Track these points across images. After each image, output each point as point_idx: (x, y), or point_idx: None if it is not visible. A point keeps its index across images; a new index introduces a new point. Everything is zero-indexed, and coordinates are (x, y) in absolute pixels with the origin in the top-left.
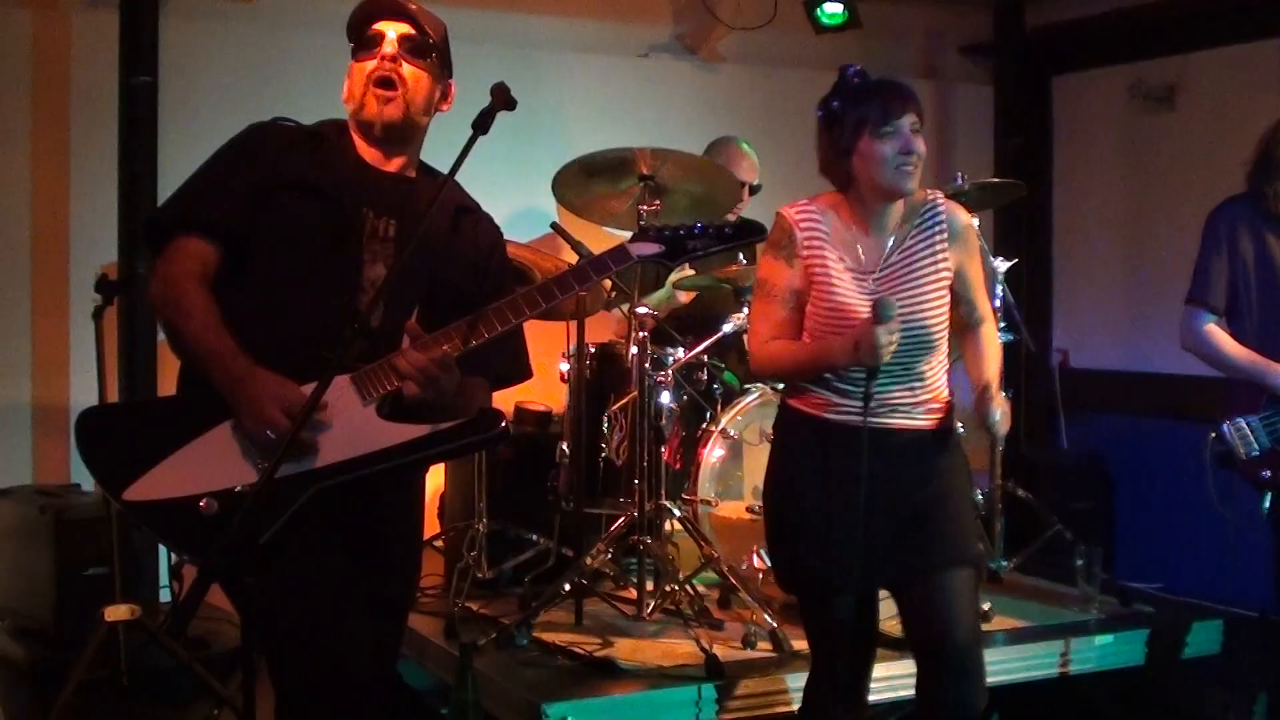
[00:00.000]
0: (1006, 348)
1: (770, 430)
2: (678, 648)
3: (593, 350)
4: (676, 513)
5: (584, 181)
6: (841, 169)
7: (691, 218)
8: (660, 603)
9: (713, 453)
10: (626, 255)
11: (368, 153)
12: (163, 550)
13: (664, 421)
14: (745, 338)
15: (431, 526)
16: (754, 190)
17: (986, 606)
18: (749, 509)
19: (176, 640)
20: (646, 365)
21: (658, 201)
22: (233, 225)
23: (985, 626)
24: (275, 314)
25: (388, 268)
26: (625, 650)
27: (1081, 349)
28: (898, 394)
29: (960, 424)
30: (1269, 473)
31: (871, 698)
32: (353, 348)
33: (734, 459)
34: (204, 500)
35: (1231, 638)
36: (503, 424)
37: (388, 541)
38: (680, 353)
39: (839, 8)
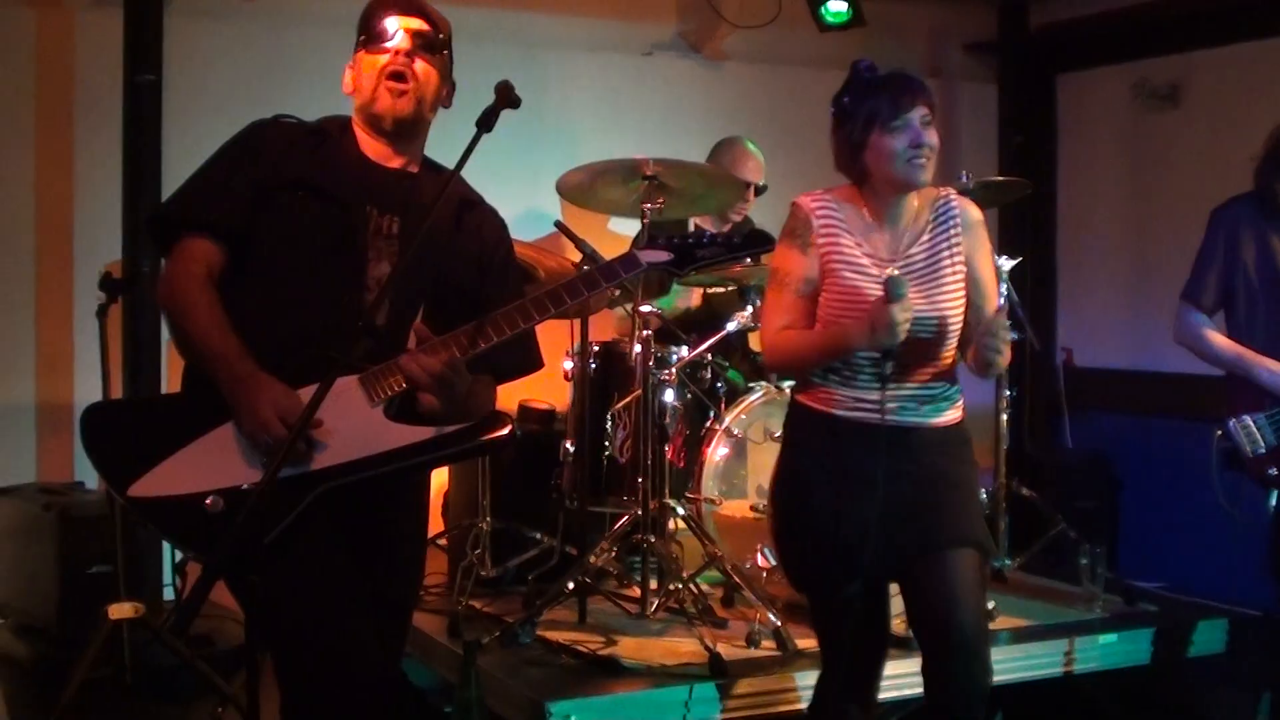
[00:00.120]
0: (1011, 346)
1: (774, 429)
2: (681, 646)
3: (597, 348)
4: (680, 511)
5: (589, 181)
6: (855, 164)
7: (694, 213)
8: (664, 601)
9: (716, 451)
10: (636, 263)
11: (371, 149)
12: (166, 548)
13: (668, 420)
14: (750, 336)
15: (435, 524)
16: (759, 190)
17: (991, 605)
18: (753, 508)
19: (180, 637)
20: (650, 363)
21: (661, 200)
22: (236, 225)
23: (990, 625)
24: (280, 313)
25: (392, 265)
26: (629, 649)
27: (1086, 347)
28: (911, 388)
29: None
30: (1275, 470)
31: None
32: (358, 346)
33: (738, 458)
34: (210, 498)
35: (1236, 637)
36: (509, 429)
37: (393, 541)
38: (684, 351)
39: (843, 6)
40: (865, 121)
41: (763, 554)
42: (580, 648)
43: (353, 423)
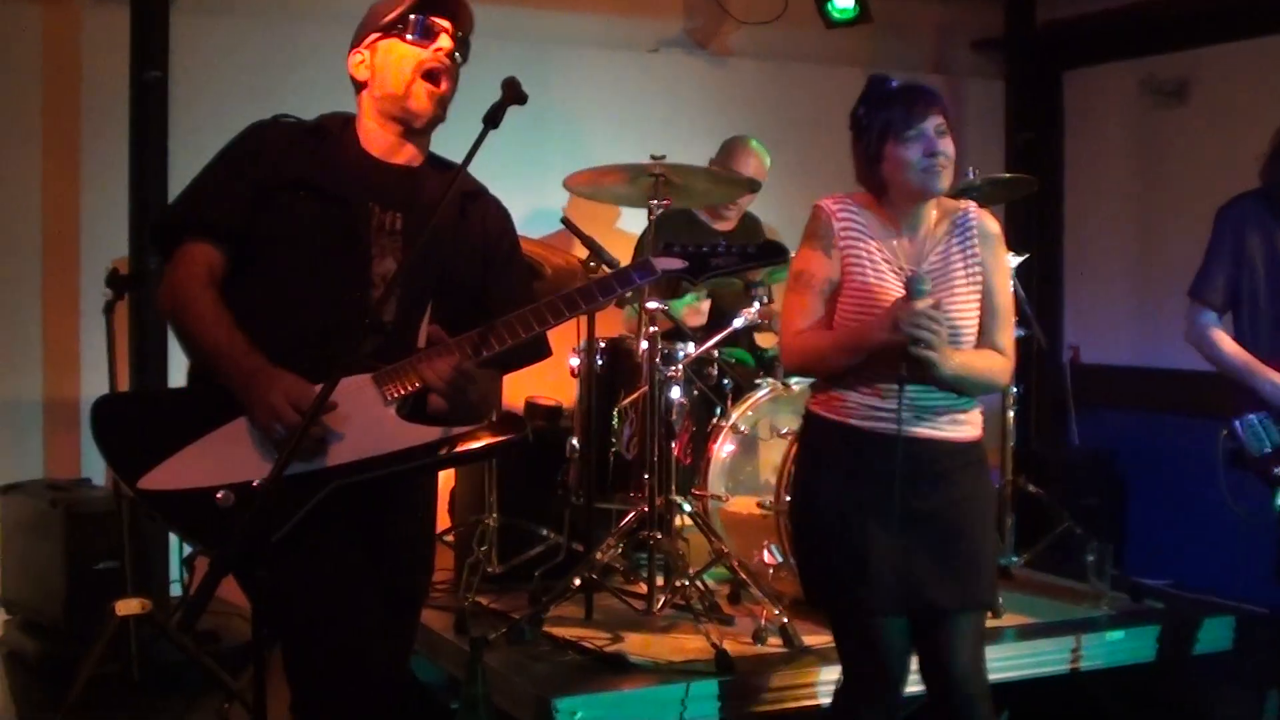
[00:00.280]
0: (1018, 343)
1: (781, 425)
2: (688, 643)
3: (603, 345)
4: (687, 508)
5: (595, 179)
6: (873, 176)
7: (699, 205)
8: (670, 598)
9: (723, 448)
10: (652, 270)
11: (376, 144)
12: (173, 544)
13: (674, 416)
14: (755, 333)
15: (442, 521)
16: (754, 187)
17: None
18: (759, 504)
19: (188, 631)
20: (657, 360)
21: (669, 199)
22: (238, 227)
23: (996, 622)
24: (286, 313)
25: (397, 262)
26: (635, 645)
27: (1092, 344)
28: (925, 398)
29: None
30: None
31: None
32: (365, 343)
33: (744, 454)
34: (220, 492)
35: (1243, 634)
36: (522, 433)
37: (403, 539)
38: (691, 348)
39: (849, 2)
40: (880, 133)
41: (769, 550)
42: (587, 644)
43: (365, 421)
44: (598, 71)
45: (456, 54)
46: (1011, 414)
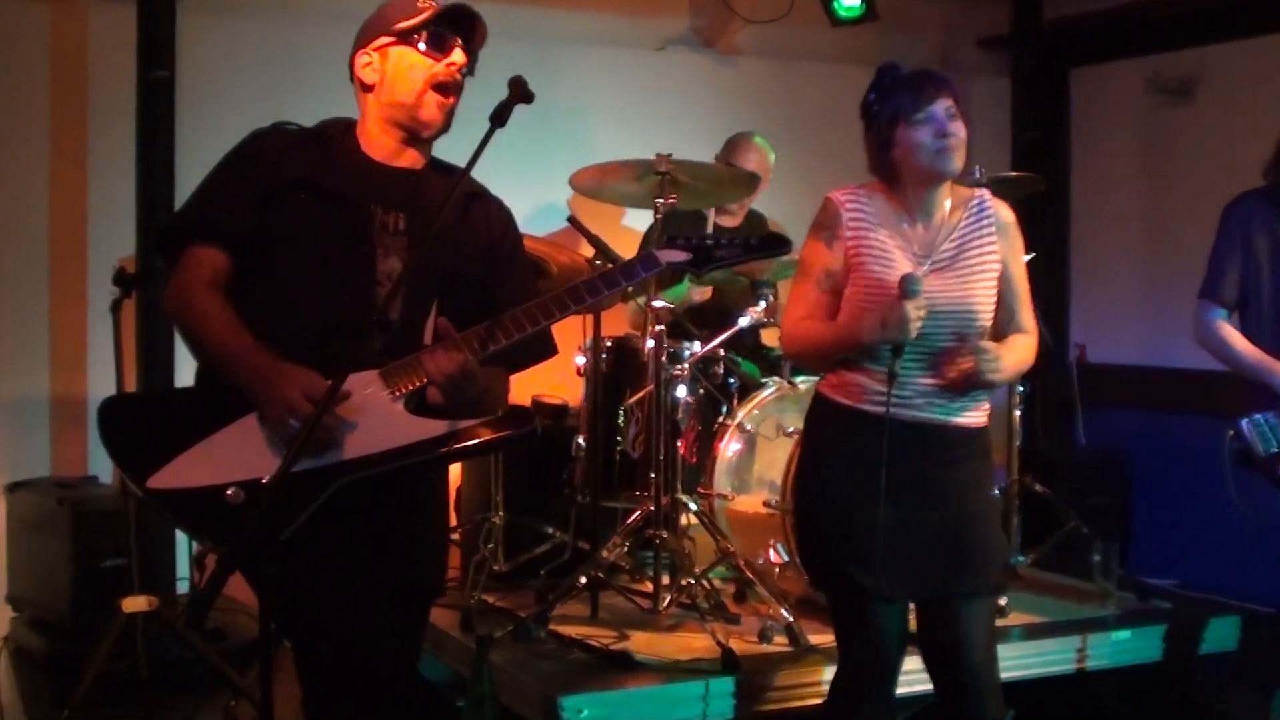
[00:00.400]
0: None
1: (787, 424)
2: (694, 641)
3: (609, 343)
4: (693, 507)
5: (601, 176)
6: (885, 163)
7: (708, 203)
8: (676, 596)
9: (729, 447)
10: (656, 262)
11: (378, 148)
12: (180, 542)
13: (680, 415)
14: (762, 331)
15: None
16: (753, 182)
17: (1003, 602)
18: (765, 503)
19: (196, 629)
20: (663, 359)
21: (674, 196)
22: (242, 232)
23: (1002, 621)
24: (292, 314)
25: (401, 260)
26: (641, 644)
27: (1099, 343)
28: (933, 380)
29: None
30: None
31: None
32: (372, 341)
33: (750, 453)
34: (231, 489)
35: (1249, 634)
36: (532, 423)
37: (412, 535)
38: (697, 346)
39: (855, 1)
40: (890, 118)
41: (775, 549)
42: (593, 642)
43: (373, 416)
44: (604, 70)
45: (466, 69)
46: (1018, 413)
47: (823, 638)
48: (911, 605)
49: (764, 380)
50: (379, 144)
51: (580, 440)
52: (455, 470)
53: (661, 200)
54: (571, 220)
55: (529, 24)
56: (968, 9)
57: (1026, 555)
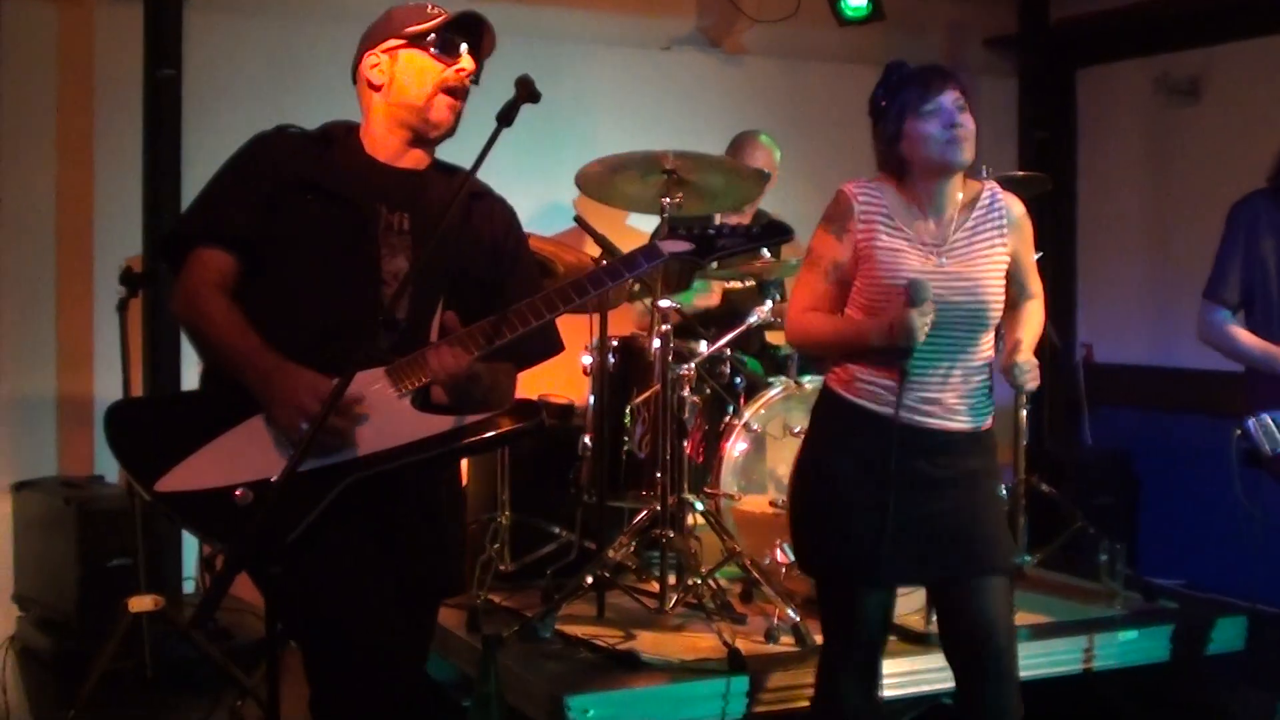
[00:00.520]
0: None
1: (793, 424)
2: (700, 641)
3: (615, 343)
4: (699, 506)
5: (608, 174)
6: (894, 157)
7: (715, 206)
8: (683, 596)
9: (735, 447)
10: (659, 252)
11: (382, 149)
12: (186, 542)
13: (687, 415)
14: (768, 331)
15: None
16: (763, 178)
17: None
18: (771, 503)
19: (202, 629)
20: (669, 358)
21: (681, 194)
22: (247, 234)
23: None
24: (298, 315)
25: (407, 260)
26: (647, 643)
27: (1106, 343)
28: (941, 374)
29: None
30: None
31: (894, 692)
32: (379, 340)
33: (757, 453)
34: (239, 490)
35: (1256, 634)
36: (539, 418)
37: (420, 532)
38: (703, 346)
39: (863, 0)
40: (898, 112)
41: (781, 549)
42: (599, 642)
43: (381, 413)
44: (611, 69)
45: (473, 77)
46: (1024, 413)
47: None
48: (918, 603)
49: (770, 380)
50: (384, 144)
51: (586, 440)
52: (462, 469)
53: (668, 199)
54: (578, 220)
55: (535, 23)
56: (975, 9)
57: (1033, 555)
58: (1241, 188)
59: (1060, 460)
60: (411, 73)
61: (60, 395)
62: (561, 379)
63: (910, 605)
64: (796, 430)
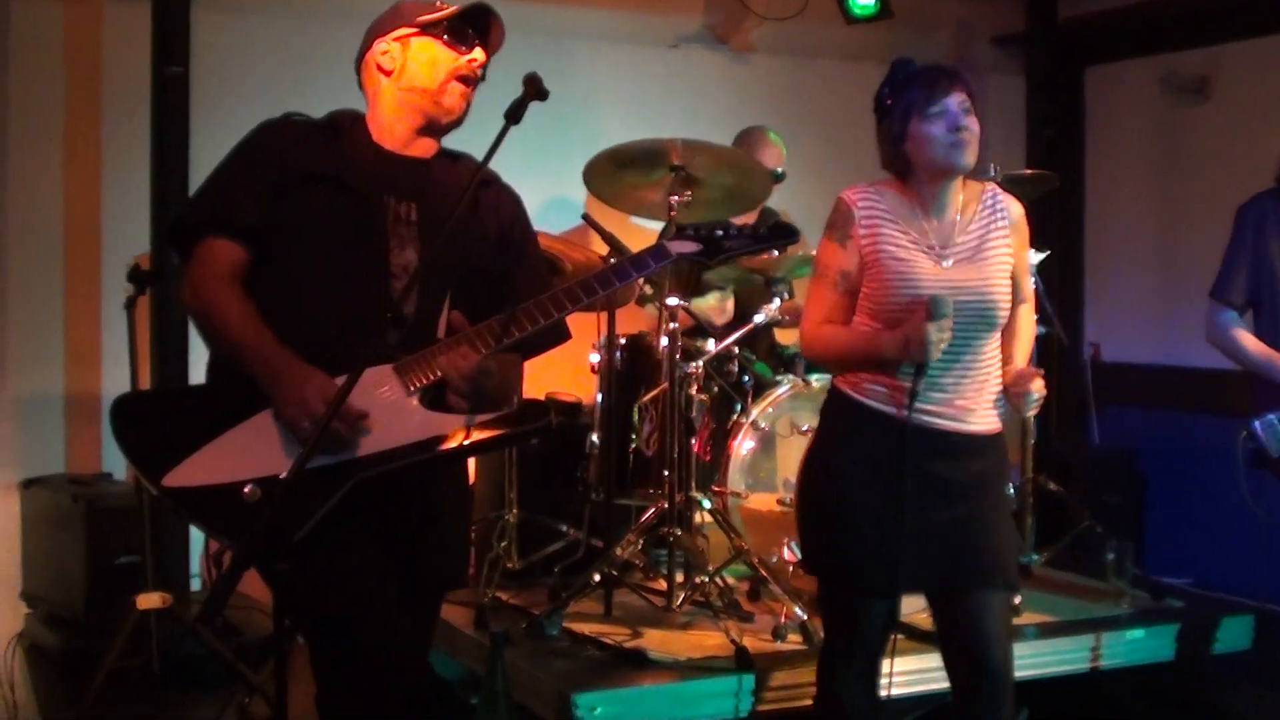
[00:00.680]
0: (1039, 341)
1: (801, 423)
2: (707, 639)
3: (623, 341)
4: (706, 504)
5: (615, 172)
6: (898, 157)
7: (724, 209)
8: (690, 594)
9: (743, 445)
10: (666, 253)
11: (389, 137)
12: (193, 539)
13: (694, 413)
14: (776, 330)
15: None
16: (778, 178)
17: (1017, 600)
18: (779, 501)
19: (209, 626)
20: (677, 357)
21: (689, 192)
22: (255, 224)
23: (1016, 620)
24: (306, 306)
25: (415, 251)
26: (655, 641)
27: (1113, 342)
28: (951, 376)
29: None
30: None
31: (899, 691)
32: (387, 336)
33: (764, 451)
34: (248, 487)
35: (1262, 633)
36: (548, 417)
37: (426, 528)
38: (711, 344)
39: None
40: (904, 112)
41: (789, 548)
42: (606, 640)
43: (389, 411)
44: (618, 67)
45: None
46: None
47: None
48: (924, 602)
49: (778, 378)
50: (391, 132)
51: (594, 438)
52: (469, 467)
53: (677, 198)
54: (586, 218)
55: (543, 21)
56: (983, 7)
57: (1040, 554)
58: (1249, 187)
59: (1068, 459)
60: (424, 59)
61: (68, 393)
62: (569, 377)
63: (916, 604)
64: (804, 428)
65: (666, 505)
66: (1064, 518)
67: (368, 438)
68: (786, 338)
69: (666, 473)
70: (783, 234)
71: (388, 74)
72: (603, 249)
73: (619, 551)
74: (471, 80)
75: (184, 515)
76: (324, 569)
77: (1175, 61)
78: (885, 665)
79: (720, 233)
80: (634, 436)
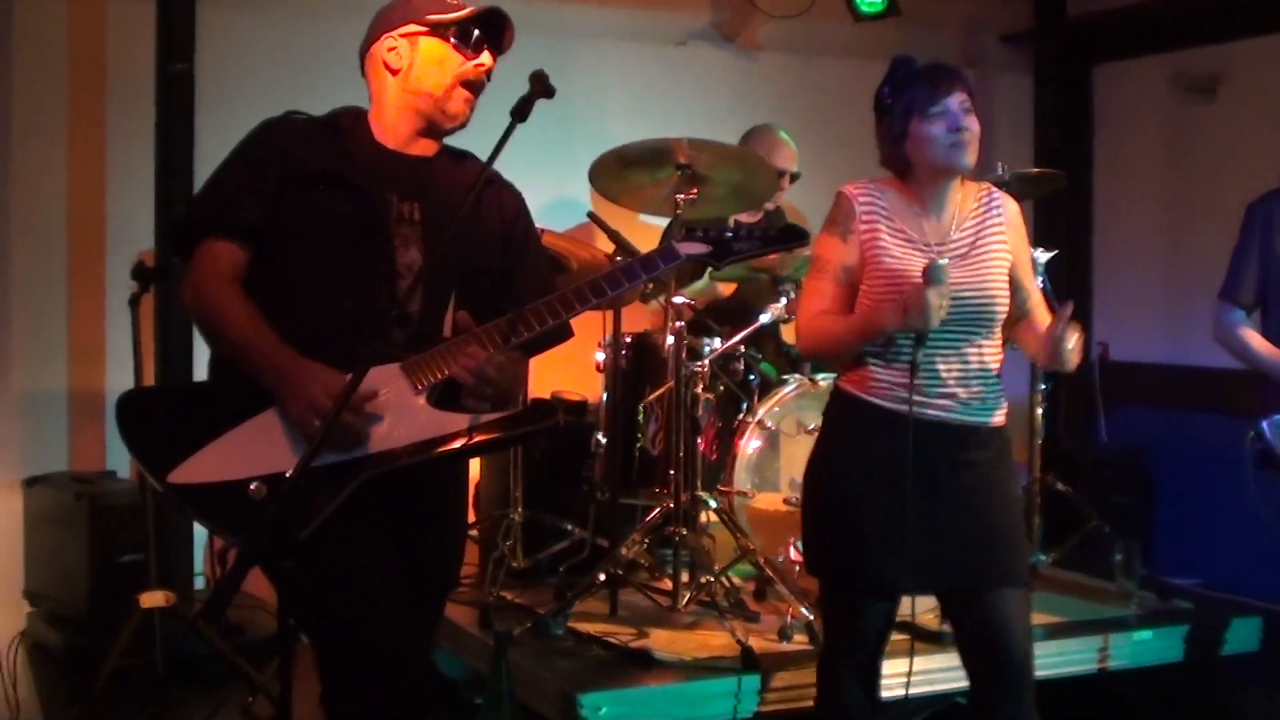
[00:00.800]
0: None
1: (807, 421)
2: (713, 639)
3: (629, 340)
4: (712, 504)
5: (620, 170)
6: (898, 156)
7: (730, 207)
8: (695, 594)
9: (749, 444)
10: (676, 254)
11: (391, 136)
12: (197, 538)
13: (700, 412)
14: (783, 328)
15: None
16: (794, 178)
17: None
18: (785, 501)
19: (213, 624)
20: (683, 356)
21: (695, 190)
22: (257, 224)
23: None
24: (312, 306)
25: (420, 251)
26: (660, 641)
27: (1122, 341)
28: (953, 370)
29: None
30: None
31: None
32: (392, 335)
33: (770, 450)
34: (254, 484)
35: (1271, 635)
36: (555, 416)
37: (431, 528)
38: (717, 343)
39: None
40: (904, 111)
41: (795, 547)
42: (611, 640)
43: (396, 410)
44: (624, 65)
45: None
46: (1040, 411)
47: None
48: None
49: (785, 377)
50: (394, 130)
51: (600, 437)
52: (474, 466)
53: (683, 196)
54: (591, 216)
55: (549, 18)
56: (991, 4)
57: (1048, 554)
58: (1258, 186)
59: (1076, 459)
60: (431, 61)
61: (71, 390)
62: (575, 375)
63: (925, 604)
64: (811, 428)
65: (672, 505)
66: (1072, 518)
67: (375, 436)
68: (793, 336)
69: (672, 472)
70: (792, 237)
71: (394, 72)
72: (608, 247)
73: (624, 551)
74: (477, 87)
75: (189, 512)
76: (329, 567)
77: (1184, 59)
78: (903, 666)
79: (730, 234)
80: (639, 435)
